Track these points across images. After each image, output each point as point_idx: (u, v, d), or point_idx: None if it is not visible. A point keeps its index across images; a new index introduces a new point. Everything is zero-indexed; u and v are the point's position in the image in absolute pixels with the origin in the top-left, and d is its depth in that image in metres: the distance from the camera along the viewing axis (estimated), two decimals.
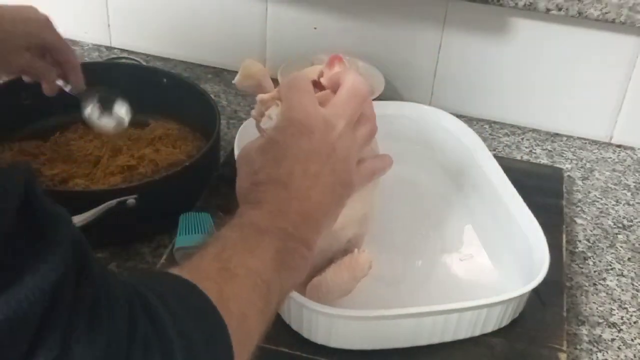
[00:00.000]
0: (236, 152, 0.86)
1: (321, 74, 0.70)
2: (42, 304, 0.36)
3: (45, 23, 0.88)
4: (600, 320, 0.83)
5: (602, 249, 0.93)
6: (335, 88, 0.65)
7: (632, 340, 0.80)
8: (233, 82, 0.70)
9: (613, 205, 1.02)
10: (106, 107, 0.94)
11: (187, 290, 0.49)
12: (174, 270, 0.52)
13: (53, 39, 0.88)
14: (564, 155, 1.12)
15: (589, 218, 0.99)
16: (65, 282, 0.38)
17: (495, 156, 0.93)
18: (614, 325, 0.82)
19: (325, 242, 0.72)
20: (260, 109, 0.66)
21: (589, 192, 1.04)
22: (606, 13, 1.02)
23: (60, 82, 0.90)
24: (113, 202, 0.81)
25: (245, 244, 0.56)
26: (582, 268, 0.90)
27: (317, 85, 0.68)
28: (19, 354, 0.36)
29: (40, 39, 0.87)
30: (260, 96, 0.67)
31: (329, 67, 0.71)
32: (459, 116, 1.03)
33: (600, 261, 0.91)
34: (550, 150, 1.12)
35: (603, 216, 0.99)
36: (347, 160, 0.63)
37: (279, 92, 0.65)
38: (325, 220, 0.63)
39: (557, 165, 1.08)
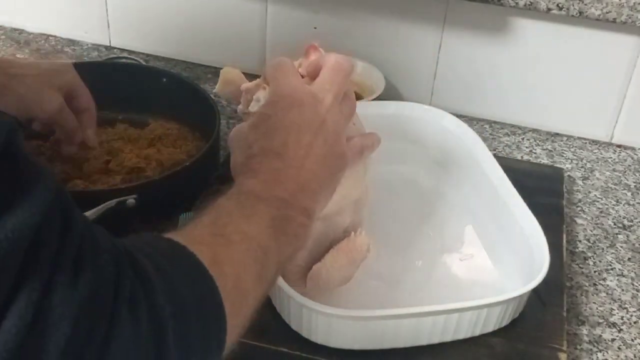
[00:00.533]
0: None
1: (299, 65, 0.71)
2: (21, 245, 0.36)
3: (70, 66, 0.90)
4: (601, 320, 0.83)
5: (602, 249, 0.93)
6: (314, 75, 0.67)
7: (632, 340, 0.80)
8: (214, 90, 0.72)
9: (613, 205, 1.02)
10: None
11: (177, 252, 0.48)
12: (169, 234, 0.51)
13: (79, 82, 0.90)
14: (564, 155, 1.12)
15: (589, 218, 0.99)
16: (47, 228, 0.38)
17: (496, 156, 0.93)
18: (614, 325, 0.82)
19: (322, 230, 0.73)
20: (246, 97, 0.68)
21: (589, 192, 1.04)
22: (607, 13, 1.02)
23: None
24: (113, 202, 0.81)
25: (241, 212, 0.56)
26: (582, 268, 0.90)
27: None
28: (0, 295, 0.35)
29: (69, 80, 0.88)
30: (244, 85, 0.69)
31: (306, 57, 0.72)
32: (459, 116, 1.03)
33: (600, 261, 0.91)
34: (550, 150, 1.12)
35: (603, 216, 0.99)
36: (337, 133, 0.65)
37: (263, 79, 0.67)
38: (322, 191, 0.64)
39: (558, 165, 1.08)
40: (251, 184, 0.59)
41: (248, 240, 0.54)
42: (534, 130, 1.17)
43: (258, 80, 0.68)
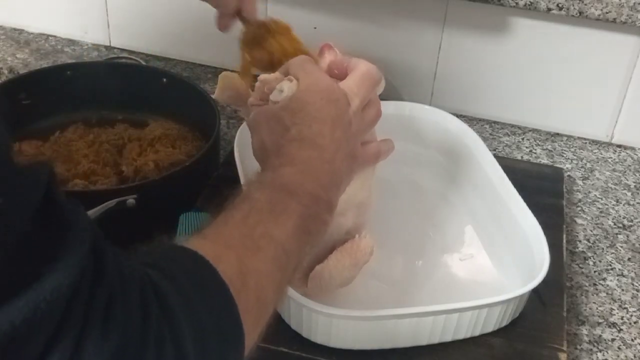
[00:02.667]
0: (236, 152, 0.87)
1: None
2: (59, 305, 0.36)
3: None
4: (601, 320, 0.83)
5: (602, 249, 0.93)
6: (336, 74, 0.68)
7: (632, 340, 0.80)
8: (213, 96, 0.73)
9: (613, 205, 1.02)
10: None
11: (200, 270, 0.48)
12: (199, 238, 0.52)
13: None
14: (564, 155, 1.12)
15: (589, 218, 0.99)
16: (81, 282, 0.38)
17: (496, 156, 0.93)
18: (614, 325, 0.82)
19: None
20: (262, 88, 0.69)
21: (589, 192, 1.04)
22: (607, 12, 1.02)
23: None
24: (113, 202, 0.81)
25: (272, 209, 0.57)
26: (582, 268, 0.90)
27: None
28: (35, 354, 0.36)
29: None
30: (263, 76, 0.69)
31: (320, 56, 0.72)
32: (459, 116, 1.03)
33: (600, 261, 0.91)
34: (550, 150, 1.12)
35: (603, 216, 0.99)
36: (357, 136, 0.67)
37: (283, 72, 0.68)
38: (342, 188, 0.65)
39: (558, 165, 1.08)
40: (287, 174, 0.60)
41: (275, 246, 0.55)
42: (534, 130, 1.17)
43: (277, 73, 0.69)
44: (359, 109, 0.66)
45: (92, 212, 0.79)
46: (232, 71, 0.76)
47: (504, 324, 0.76)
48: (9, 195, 0.35)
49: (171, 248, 0.50)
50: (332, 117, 0.64)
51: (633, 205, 1.02)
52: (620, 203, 1.02)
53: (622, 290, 0.87)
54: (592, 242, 0.94)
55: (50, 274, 0.36)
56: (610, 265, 0.91)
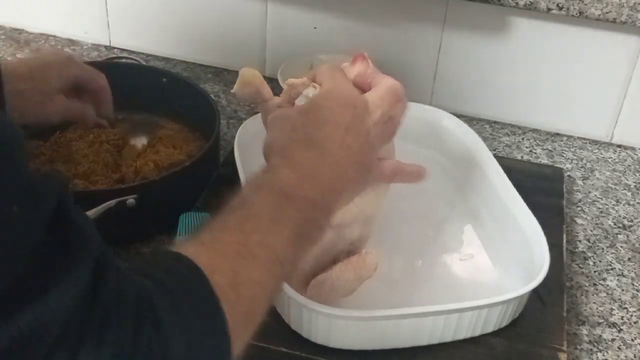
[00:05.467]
0: (236, 152, 0.87)
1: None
2: (61, 318, 0.37)
3: (69, 60, 0.91)
4: (601, 320, 0.83)
5: (603, 249, 0.93)
6: (359, 86, 0.68)
7: (632, 340, 0.80)
8: (232, 91, 0.73)
9: (613, 205, 1.02)
10: None
11: (192, 280, 0.48)
12: (196, 243, 0.52)
13: (81, 72, 0.90)
14: (565, 155, 1.12)
15: (589, 218, 0.99)
16: (84, 297, 0.38)
17: (496, 156, 0.93)
18: (614, 325, 0.82)
19: (329, 240, 0.73)
20: (289, 92, 0.69)
21: (589, 192, 1.04)
22: (607, 12, 1.02)
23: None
24: (113, 202, 0.81)
25: (269, 214, 0.56)
26: (582, 268, 0.90)
27: None
28: None
29: (69, 76, 0.88)
30: (290, 80, 0.70)
31: (352, 64, 0.73)
32: (459, 116, 1.03)
33: (600, 261, 0.91)
34: (550, 150, 1.12)
35: (603, 216, 0.99)
36: (374, 148, 0.67)
37: (311, 78, 0.69)
38: (344, 195, 0.65)
39: (558, 165, 1.08)
40: (285, 176, 0.60)
41: (269, 254, 0.54)
42: (534, 130, 1.17)
43: (304, 78, 0.69)
44: (380, 122, 0.66)
45: (92, 212, 0.79)
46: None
47: (504, 324, 0.76)
48: (24, 205, 0.36)
49: (169, 256, 0.50)
50: (347, 123, 0.63)
51: (633, 205, 1.02)
52: (620, 203, 1.02)
53: (622, 290, 0.87)
54: (592, 242, 0.94)
55: (57, 288, 0.37)
56: (610, 265, 0.91)
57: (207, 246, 0.52)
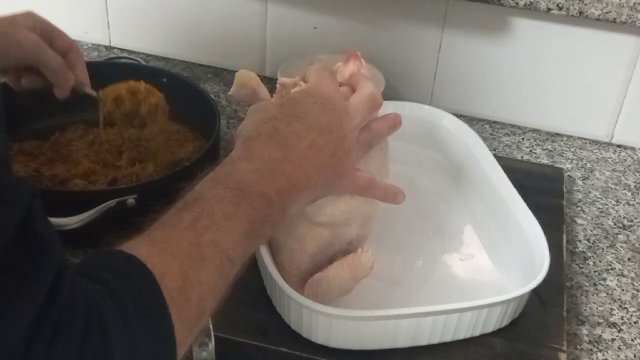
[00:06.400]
0: None
1: (336, 70, 0.72)
2: (20, 328, 0.37)
3: (33, 13, 0.84)
4: (601, 320, 0.83)
5: (602, 249, 0.93)
6: (353, 86, 0.68)
7: (632, 340, 0.80)
8: (229, 93, 0.73)
9: (613, 205, 1.02)
10: None
11: (144, 291, 0.48)
12: (147, 243, 0.51)
13: (51, 24, 0.84)
14: (565, 155, 1.12)
15: (589, 218, 0.99)
16: (40, 308, 0.38)
17: (496, 156, 0.93)
18: (614, 325, 0.82)
19: (327, 239, 0.73)
20: (282, 92, 0.69)
21: (589, 192, 1.04)
22: (607, 13, 1.02)
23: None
24: (113, 202, 0.81)
25: (222, 210, 0.55)
26: (582, 268, 0.90)
27: None
28: None
29: (36, 21, 0.83)
30: (282, 80, 0.70)
31: (345, 64, 0.73)
32: (459, 116, 1.03)
33: (600, 261, 0.91)
34: (550, 150, 1.12)
35: (603, 216, 0.99)
36: (349, 155, 0.65)
37: (301, 77, 0.68)
38: (306, 194, 0.63)
39: (558, 165, 1.08)
40: (242, 170, 0.59)
41: (220, 255, 0.54)
42: (534, 130, 1.17)
43: (296, 77, 0.69)
44: (357, 128, 0.65)
45: (92, 212, 0.79)
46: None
47: (504, 324, 0.76)
48: None
49: (120, 258, 0.49)
50: (322, 123, 0.62)
51: (633, 205, 1.02)
52: (620, 203, 1.02)
53: (622, 290, 0.87)
54: (592, 242, 0.94)
55: (18, 299, 0.37)
56: (610, 265, 0.91)
57: (158, 246, 0.51)
